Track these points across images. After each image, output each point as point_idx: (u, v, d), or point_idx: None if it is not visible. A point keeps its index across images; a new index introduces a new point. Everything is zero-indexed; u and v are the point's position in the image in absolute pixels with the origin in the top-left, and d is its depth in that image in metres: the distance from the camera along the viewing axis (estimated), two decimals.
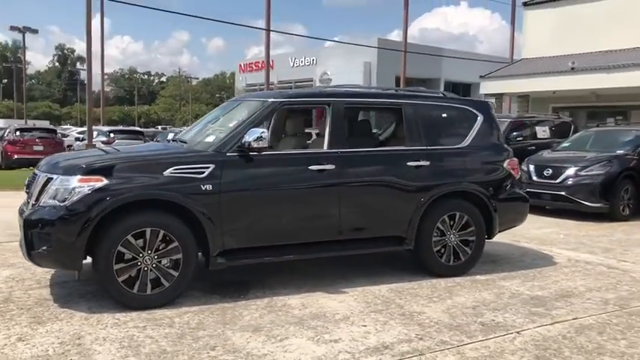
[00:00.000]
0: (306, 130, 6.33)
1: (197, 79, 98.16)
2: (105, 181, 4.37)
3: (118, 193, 4.36)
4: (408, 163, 5.44)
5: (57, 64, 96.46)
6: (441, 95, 6.33)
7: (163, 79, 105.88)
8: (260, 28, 22.93)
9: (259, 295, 4.89)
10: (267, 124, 5.49)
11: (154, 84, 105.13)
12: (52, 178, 4.48)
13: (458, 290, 5.19)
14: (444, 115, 5.87)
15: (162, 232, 4.50)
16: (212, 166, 4.69)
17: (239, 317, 4.33)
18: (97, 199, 4.30)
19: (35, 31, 39.38)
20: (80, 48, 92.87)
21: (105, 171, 4.45)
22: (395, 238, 5.49)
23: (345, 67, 34.24)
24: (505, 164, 6.01)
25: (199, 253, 4.72)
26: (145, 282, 4.48)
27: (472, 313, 4.55)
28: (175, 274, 4.56)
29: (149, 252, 4.48)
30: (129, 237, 4.39)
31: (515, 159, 6.16)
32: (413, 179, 5.44)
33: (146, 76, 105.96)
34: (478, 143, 5.91)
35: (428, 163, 5.52)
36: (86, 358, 3.51)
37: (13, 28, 37.70)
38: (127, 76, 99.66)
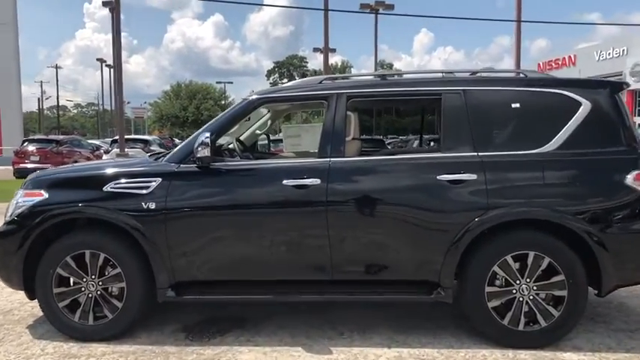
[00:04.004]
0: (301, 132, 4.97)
1: None
2: (44, 196, 3.97)
3: (51, 209, 3.90)
4: (440, 177, 3.72)
5: None
6: (518, 77, 4.25)
7: None
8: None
9: (232, 341, 3.90)
10: (247, 126, 4.41)
11: None
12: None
13: None
14: (516, 104, 3.86)
15: (102, 256, 3.90)
16: (158, 181, 3.88)
17: None
18: (32, 215, 3.93)
19: None
20: None
21: (47, 185, 4.04)
22: (421, 284, 3.84)
23: None
24: (629, 179, 3.70)
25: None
26: (87, 310, 3.94)
27: None
28: (119, 305, 3.92)
29: (92, 277, 3.93)
30: (68, 259, 3.91)
31: None
32: (446, 199, 3.71)
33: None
34: (577, 146, 3.76)
35: (474, 176, 3.70)
36: None
37: None
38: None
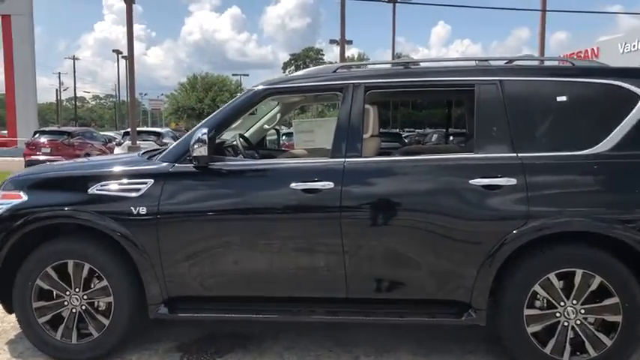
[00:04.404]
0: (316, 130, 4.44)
1: None
2: (23, 198, 3.53)
3: (30, 213, 3.46)
4: (473, 181, 3.20)
5: None
6: (565, 65, 3.68)
7: None
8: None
9: None
10: (254, 121, 3.91)
11: None
12: None
13: None
14: (562, 98, 3.31)
15: (87, 267, 3.45)
16: (150, 182, 3.41)
17: None
18: (9, 220, 3.49)
19: None
20: None
21: (26, 186, 3.60)
22: (450, 304, 3.33)
23: None
24: None
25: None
26: (70, 327, 3.50)
27: None
28: (106, 321, 3.47)
29: (76, 290, 3.49)
30: (48, 269, 3.47)
31: None
32: (480, 207, 3.18)
33: None
34: (635, 146, 3.21)
35: (513, 181, 3.17)
36: None
37: None
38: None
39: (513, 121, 3.28)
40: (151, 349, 3.66)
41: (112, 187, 3.43)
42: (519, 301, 3.19)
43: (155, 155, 3.74)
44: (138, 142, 18.98)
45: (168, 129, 29.18)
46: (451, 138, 8.17)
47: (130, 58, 20.20)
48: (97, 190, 3.43)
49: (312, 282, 3.37)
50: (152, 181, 3.41)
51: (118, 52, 54.00)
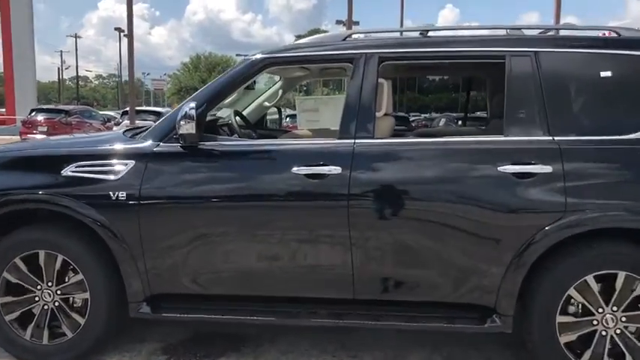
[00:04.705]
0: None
1: None
2: None
3: None
4: (502, 168, 2.76)
5: None
6: (610, 36, 3.21)
7: None
8: None
9: None
10: (252, 98, 3.47)
11: None
12: None
13: None
14: (607, 73, 2.85)
15: (60, 258, 3.04)
16: (130, 163, 2.99)
17: None
18: None
19: None
20: None
21: None
22: (472, 309, 2.92)
23: None
24: None
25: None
26: (42, 326, 3.11)
27: None
28: (82, 320, 3.07)
29: (49, 284, 3.09)
30: (17, 260, 3.07)
31: None
32: (510, 198, 2.74)
33: None
34: None
35: (548, 168, 2.73)
36: None
37: None
38: None
39: (550, 99, 2.83)
40: (134, 351, 3.28)
41: (89, 168, 3.01)
42: (551, 307, 2.78)
43: (139, 133, 3.31)
44: (137, 121, 18.51)
45: (168, 109, 28.68)
46: (459, 122, 7.70)
47: (129, 36, 19.63)
48: (71, 171, 3.01)
49: (315, 280, 2.96)
50: (133, 162, 2.99)
51: (119, 30, 53.10)
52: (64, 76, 77.04)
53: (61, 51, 74.41)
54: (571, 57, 2.91)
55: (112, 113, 28.09)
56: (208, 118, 3.35)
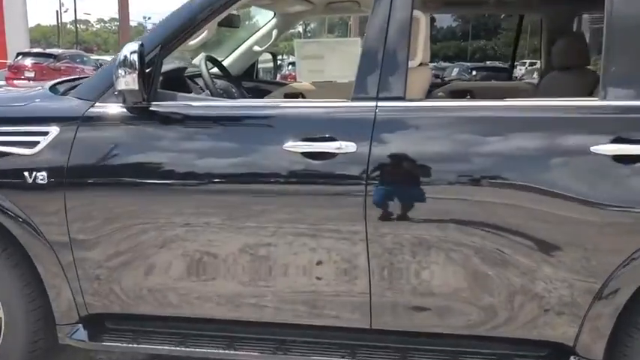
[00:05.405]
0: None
1: None
2: None
3: None
4: (596, 148, 1.82)
5: None
6: None
7: None
8: None
9: None
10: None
11: None
12: None
13: None
14: None
15: None
16: (53, 132, 2.08)
17: None
18: None
19: None
20: None
21: None
22: (538, 346, 2.04)
23: None
24: None
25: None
26: None
27: None
28: None
29: None
30: None
31: None
32: (606, 191, 1.82)
33: None
34: None
35: None
36: None
37: None
38: None
39: None
40: None
41: None
42: None
43: (73, 88, 2.37)
44: None
45: None
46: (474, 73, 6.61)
47: None
48: None
49: (317, 302, 2.09)
50: (57, 129, 2.08)
51: None
52: (65, 20, 74.90)
53: None
54: None
55: (108, 58, 26.85)
56: (171, 66, 2.43)
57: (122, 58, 1.91)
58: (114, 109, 2.08)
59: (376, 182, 1.92)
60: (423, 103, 2.07)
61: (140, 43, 1.94)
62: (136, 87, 1.92)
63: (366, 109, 1.96)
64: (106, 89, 2.11)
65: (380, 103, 1.95)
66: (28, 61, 16.71)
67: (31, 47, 21.24)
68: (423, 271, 1.97)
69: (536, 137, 1.90)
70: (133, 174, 2.06)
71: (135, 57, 1.90)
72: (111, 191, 2.09)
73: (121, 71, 1.92)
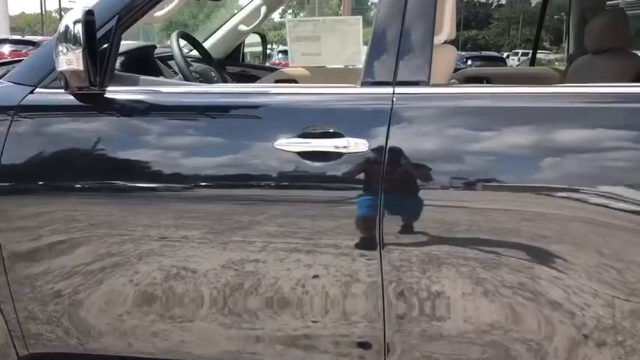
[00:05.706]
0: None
1: None
2: None
3: None
4: None
5: None
6: None
7: None
8: None
9: None
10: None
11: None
12: None
13: None
14: None
15: None
16: None
17: None
18: None
19: None
20: None
21: None
22: None
23: None
24: None
25: None
26: None
27: None
28: None
29: None
30: None
31: None
32: None
33: None
34: None
35: None
36: None
37: None
38: None
39: None
40: None
41: None
42: None
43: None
44: None
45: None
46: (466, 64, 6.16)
47: None
48: None
49: (317, 334, 1.67)
50: None
51: None
52: (50, 8, 73.57)
53: None
54: None
55: None
56: (140, 43, 1.99)
57: (63, 29, 1.47)
58: (58, 96, 1.64)
59: (393, 191, 1.50)
60: (454, 89, 1.63)
61: (88, 9, 1.50)
62: (81, 67, 1.48)
63: (380, 97, 1.53)
64: (49, 71, 1.66)
65: (398, 89, 1.53)
66: (6, 49, 16.02)
67: (11, 35, 20.45)
68: (455, 296, 1.56)
69: (602, 125, 1.49)
70: (78, 177, 1.62)
71: (79, 28, 1.45)
72: (52, 196, 1.65)
73: (61, 47, 1.48)
